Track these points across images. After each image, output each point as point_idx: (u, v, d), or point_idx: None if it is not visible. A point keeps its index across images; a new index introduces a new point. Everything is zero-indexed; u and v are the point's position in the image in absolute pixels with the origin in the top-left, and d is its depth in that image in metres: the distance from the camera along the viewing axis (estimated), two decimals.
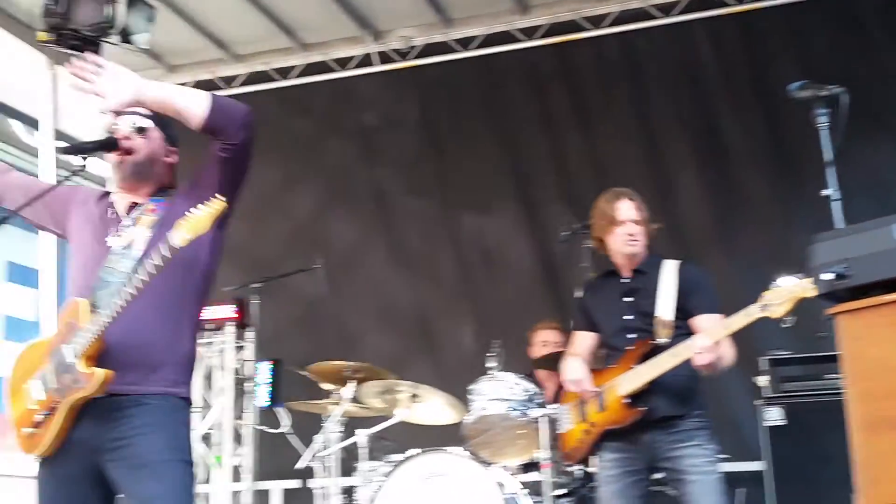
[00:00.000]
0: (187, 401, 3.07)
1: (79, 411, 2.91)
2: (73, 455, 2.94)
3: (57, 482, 3.00)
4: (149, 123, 3.19)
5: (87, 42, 6.03)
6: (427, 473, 5.09)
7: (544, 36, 7.34)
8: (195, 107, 2.99)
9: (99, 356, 2.88)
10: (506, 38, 7.43)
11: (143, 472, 2.89)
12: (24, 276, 9.68)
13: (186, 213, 2.80)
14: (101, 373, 2.85)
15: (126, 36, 6.16)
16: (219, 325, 7.45)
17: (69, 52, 6.43)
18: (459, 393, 5.40)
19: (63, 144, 7.73)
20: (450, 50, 7.57)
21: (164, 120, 3.23)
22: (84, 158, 3.13)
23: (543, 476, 4.76)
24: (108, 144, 3.16)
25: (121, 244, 3.04)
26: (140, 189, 3.16)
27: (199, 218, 2.75)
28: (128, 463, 2.90)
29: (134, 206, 3.14)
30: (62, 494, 2.99)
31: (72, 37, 5.95)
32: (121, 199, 3.17)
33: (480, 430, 5.10)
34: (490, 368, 5.20)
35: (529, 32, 7.39)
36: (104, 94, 2.94)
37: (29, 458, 3.03)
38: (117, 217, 3.13)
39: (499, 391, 5.10)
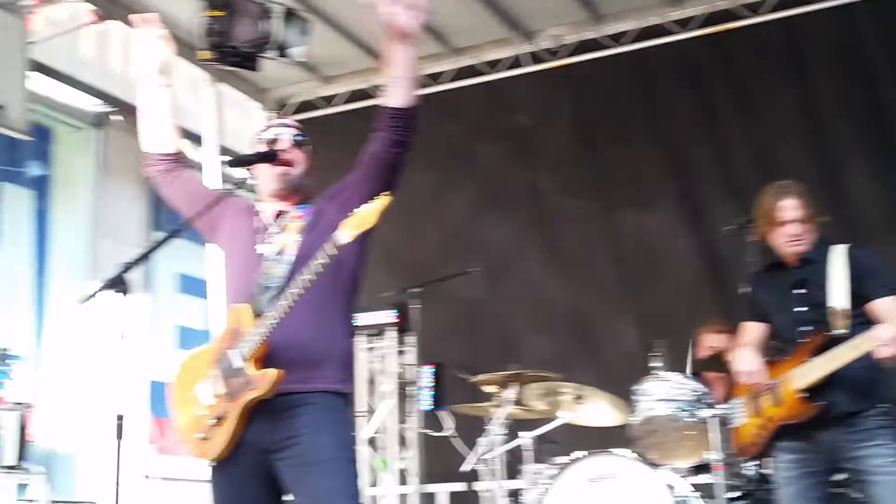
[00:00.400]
0: (348, 398, 3.14)
1: (249, 413, 2.97)
2: (244, 456, 3.03)
3: (230, 484, 3.09)
4: (305, 138, 3.30)
5: (246, 58, 6.27)
6: (594, 476, 5.03)
7: (700, 27, 7.15)
8: (412, 88, 3.15)
9: (265, 358, 2.95)
10: (659, 31, 7.27)
11: (312, 470, 2.95)
12: (193, 286, 10.07)
13: (339, 216, 2.89)
14: (272, 373, 2.93)
15: (283, 50, 6.38)
16: (380, 331, 7.55)
17: (229, 68, 6.69)
18: (622, 394, 5.32)
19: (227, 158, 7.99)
20: (601, 46, 7.46)
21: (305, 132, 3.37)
22: (248, 170, 3.23)
23: (715, 478, 4.63)
24: (268, 156, 3.24)
25: (272, 251, 3.13)
26: (290, 199, 3.26)
27: (366, 214, 2.81)
28: (296, 461, 2.97)
29: (280, 214, 3.22)
30: (235, 496, 3.07)
31: (231, 54, 6.20)
32: (267, 208, 3.26)
33: (648, 432, 5.02)
34: (655, 368, 5.10)
35: (684, 24, 7.22)
36: (405, 13, 3.03)
37: (201, 462, 3.11)
38: (264, 226, 3.22)
39: (665, 391, 5.01)
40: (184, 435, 3.13)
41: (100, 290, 2.92)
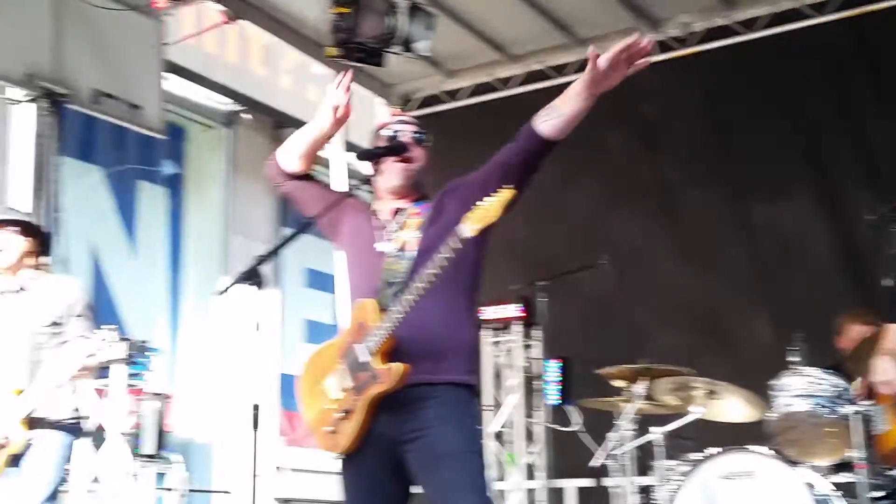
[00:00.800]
0: (475, 390, 3.14)
1: (377, 406, 2.99)
2: (373, 449, 3.05)
3: (359, 476, 3.11)
4: (425, 135, 3.31)
5: (372, 54, 6.32)
6: (729, 473, 4.92)
7: (838, 10, 6.91)
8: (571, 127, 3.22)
9: (391, 352, 2.97)
10: (794, 15, 7.06)
11: (440, 462, 2.97)
12: (320, 281, 10.24)
13: (459, 211, 2.89)
14: (398, 367, 2.94)
15: (408, 45, 6.41)
16: (505, 324, 7.53)
17: (354, 64, 6.76)
18: (756, 389, 5.18)
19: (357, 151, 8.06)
20: (733, 33, 7.28)
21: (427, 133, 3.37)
22: (375, 163, 3.25)
23: (858, 477, 4.47)
24: (397, 149, 3.25)
25: (393, 248, 3.15)
26: (407, 196, 3.27)
27: (489, 207, 2.79)
28: (425, 453, 2.99)
29: (398, 211, 3.24)
30: (365, 488, 3.10)
31: (357, 50, 6.26)
32: (384, 206, 3.28)
33: (785, 428, 4.88)
34: (792, 363, 4.94)
35: (820, 7, 6.98)
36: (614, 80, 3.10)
37: (330, 455, 3.14)
38: (382, 224, 3.23)
39: (804, 386, 4.85)
40: (312, 428, 3.17)
41: (235, 284, 2.97)
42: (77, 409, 4.39)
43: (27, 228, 4.44)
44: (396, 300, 2.97)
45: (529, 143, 3.15)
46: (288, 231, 9.63)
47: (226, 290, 3.02)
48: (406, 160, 3.24)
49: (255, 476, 2.86)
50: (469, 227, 2.82)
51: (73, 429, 4.37)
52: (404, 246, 3.15)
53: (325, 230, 3.40)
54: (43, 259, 4.53)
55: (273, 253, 3.11)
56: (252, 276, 2.99)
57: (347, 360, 3.05)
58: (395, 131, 3.30)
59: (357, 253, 3.26)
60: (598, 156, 7.61)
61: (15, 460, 4.26)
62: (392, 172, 3.24)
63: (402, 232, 3.18)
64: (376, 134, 3.37)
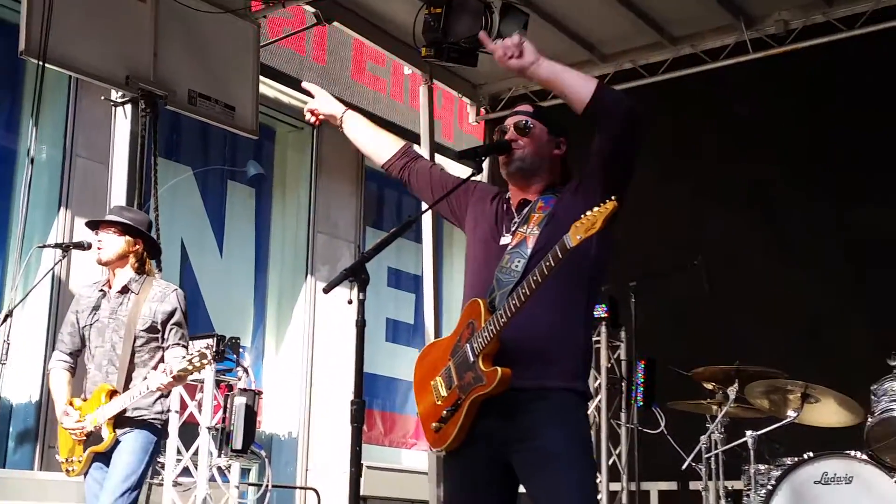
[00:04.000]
0: (585, 396, 3.08)
1: (482, 406, 2.98)
2: (478, 447, 3.03)
3: (462, 471, 3.10)
4: (532, 122, 3.20)
5: (465, 54, 6.31)
6: (824, 478, 4.83)
7: None
8: (581, 87, 3.00)
9: (497, 354, 2.95)
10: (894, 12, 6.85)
11: (549, 464, 2.93)
12: (403, 281, 10.31)
13: (577, 211, 2.81)
14: (500, 372, 2.91)
15: None
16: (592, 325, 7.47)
17: (447, 65, 6.77)
18: (850, 393, 5.07)
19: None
20: (833, 30, 7.10)
21: (548, 114, 3.26)
22: (480, 161, 3.21)
23: None
24: (502, 147, 3.21)
25: (514, 242, 3.09)
26: (529, 186, 3.19)
27: (592, 219, 2.73)
28: (534, 455, 2.96)
29: (524, 203, 3.18)
30: (468, 481, 3.09)
31: (450, 50, 6.26)
32: (513, 197, 3.22)
33: (885, 434, 4.77)
34: (893, 367, 4.84)
35: None
36: (515, 54, 3.02)
37: (436, 451, 3.14)
38: (510, 215, 3.18)
39: None
40: (423, 423, 3.18)
41: (339, 281, 2.97)
42: (163, 410, 4.47)
43: (127, 230, 4.53)
44: (504, 301, 2.93)
45: (591, 119, 3.01)
46: (372, 231, 9.79)
47: (330, 288, 3.02)
48: (502, 151, 3.17)
49: (358, 469, 2.86)
50: (573, 236, 2.76)
51: (159, 428, 4.45)
52: (525, 241, 3.08)
53: (448, 216, 3.38)
54: (150, 264, 4.62)
55: (376, 250, 3.09)
56: (356, 274, 2.99)
57: (456, 359, 3.05)
58: (506, 125, 3.24)
59: (477, 243, 3.21)
60: (692, 155, 7.55)
61: (104, 457, 4.38)
62: (501, 169, 3.21)
63: (525, 226, 3.11)
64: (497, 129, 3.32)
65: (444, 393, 3.07)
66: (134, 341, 4.40)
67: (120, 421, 4.34)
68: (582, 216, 2.76)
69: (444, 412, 3.05)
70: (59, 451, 4.53)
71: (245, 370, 6.54)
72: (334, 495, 8.09)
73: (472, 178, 3.32)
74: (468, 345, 3.00)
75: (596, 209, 2.74)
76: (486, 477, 3.05)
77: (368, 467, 8.25)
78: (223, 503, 6.29)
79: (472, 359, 2.97)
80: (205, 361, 4.24)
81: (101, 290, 4.54)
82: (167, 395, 4.53)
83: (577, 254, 2.85)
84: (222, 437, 6.32)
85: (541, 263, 2.85)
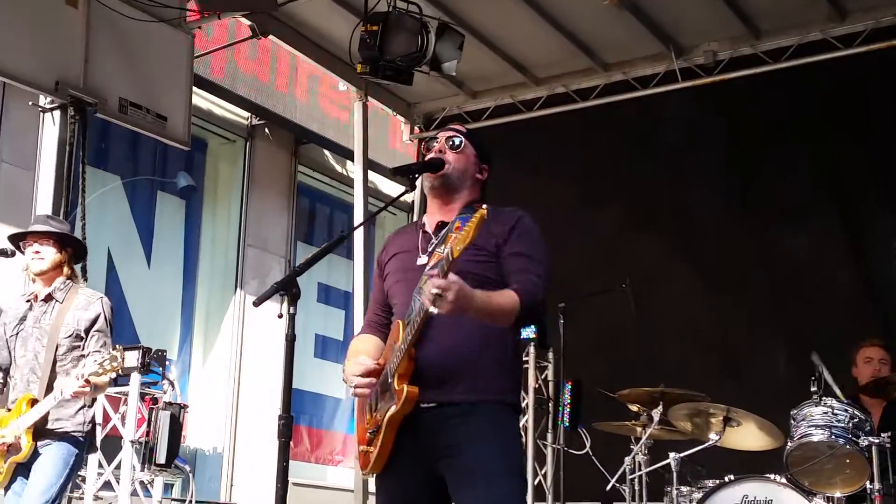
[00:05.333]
0: (516, 408, 3.09)
1: (409, 425, 2.97)
2: (407, 466, 3.02)
3: (392, 491, 3.08)
4: (463, 141, 3.22)
5: (401, 72, 6.35)
6: (745, 500, 4.91)
7: (863, 43, 6.93)
8: (504, 321, 2.99)
9: (412, 374, 2.95)
10: (821, 47, 7.09)
11: (476, 480, 2.92)
12: (332, 297, 10.26)
13: (488, 236, 2.89)
14: (406, 390, 2.91)
15: (436, 64, 6.43)
16: None
17: (382, 82, 6.79)
18: (771, 417, 5.17)
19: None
20: (759, 62, 7.30)
21: (478, 140, 3.28)
22: (413, 179, 3.21)
23: None
24: (434, 165, 3.21)
25: (431, 263, 3.07)
26: (449, 204, 3.20)
27: (467, 231, 2.72)
28: (457, 470, 2.96)
29: (441, 225, 3.18)
30: (398, 501, 3.07)
31: (386, 68, 6.29)
32: (430, 220, 3.23)
33: (803, 458, 4.86)
34: (812, 393, 4.94)
35: (848, 40, 7.00)
36: (440, 302, 2.77)
37: (364, 474, 3.11)
38: (427, 237, 3.19)
39: (823, 417, 4.84)
40: (357, 446, 3.17)
41: (269, 295, 2.95)
42: (85, 422, 4.39)
43: (63, 241, 4.49)
44: (410, 321, 2.94)
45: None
46: (303, 245, 9.75)
47: (261, 302, 3.00)
48: (429, 168, 3.17)
49: (284, 483, 2.83)
50: (455, 248, 2.72)
51: (81, 440, 4.37)
52: (439, 261, 3.03)
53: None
54: (75, 270, 4.57)
55: (308, 265, 3.07)
56: (287, 288, 2.98)
57: (381, 380, 3.05)
58: (429, 144, 3.26)
59: (397, 272, 3.22)
60: (619, 181, 7.65)
61: (25, 469, 4.29)
62: (424, 182, 3.21)
63: (442, 246, 3.04)
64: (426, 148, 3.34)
65: (368, 416, 3.07)
66: (56, 349, 4.33)
67: (41, 432, 4.26)
68: (458, 232, 2.74)
69: (368, 434, 3.05)
70: None
71: (171, 383, 6.46)
72: None
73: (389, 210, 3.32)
74: (388, 366, 3.00)
75: (470, 221, 2.72)
76: (417, 496, 3.04)
77: (294, 484, 8.17)
78: None
79: (389, 379, 2.97)
80: (115, 364, 4.16)
81: (28, 301, 4.48)
82: (90, 406, 4.45)
83: (479, 274, 2.91)
84: (146, 451, 6.24)
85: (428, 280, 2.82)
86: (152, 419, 6.23)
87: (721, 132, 7.41)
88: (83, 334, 4.37)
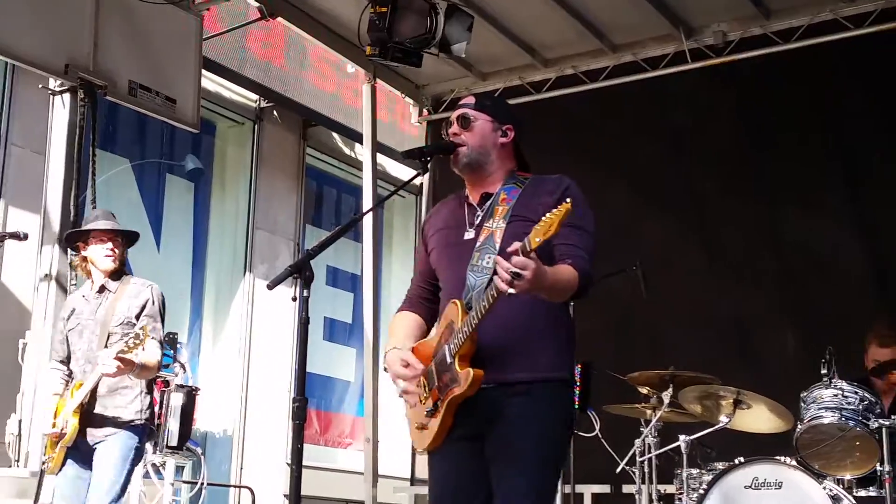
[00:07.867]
0: (569, 383, 3.07)
1: (464, 406, 2.98)
2: (458, 445, 3.04)
3: (447, 475, 3.10)
4: (473, 114, 3.18)
5: (409, 54, 6.33)
6: (755, 483, 4.91)
7: (874, 23, 6.88)
8: (564, 297, 2.96)
9: (477, 353, 2.95)
10: (831, 27, 7.04)
11: (511, 466, 2.95)
12: (341, 280, 10.27)
13: (538, 208, 2.84)
14: (472, 373, 2.92)
15: (445, 46, 6.42)
16: None
17: (391, 64, 6.77)
18: (781, 400, 5.17)
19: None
20: (769, 43, 7.26)
21: (491, 104, 3.24)
22: (425, 162, 3.20)
23: (885, 492, 4.46)
24: (447, 148, 3.19)
25: (482, 238, 3.07)
26: (485, 178, 3.17)
27: (549, 222, 2.69)
28: (497, 444, 2.98)
29: (486, 196, 3.15)
30: (451, 478, 3.08)
31: (395, 49, 6.28)
32: (472, 193, 3.20)
33: (813, 440, 4.87)
34: (823, 376, 4.94)
35: (858, 20, 6.95)
36: (518, 282, 2.73)
37: (420, 452, 3.13)
38: (472, 210, 3.16)
39: (833, 399, 4.85)
40: (410, 424, 3.17)
41: (285, 276, 2.95)
42: (142, 409, 4.49)
43: (128, 238, 4.72)
44: (478, 300, 2.91)
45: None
46: (312, 228, 9.74)
47: (275, 285, 3.00)
48: (447, 150, 3.15)
49: (297, 464, 2.85)
50: (532, 239, 2.70)
51: (140, 427, 4.47)
52: (492, 236, 3.04)
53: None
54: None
55: (322, 248, 3.06)
56: (300, 271, 2.97)
57: (437, 360, 3.04)
58: (446, 124, 3.22)
59: (442, 248, 3.19)
60: (629, 161, 7.62)
61: (76, 453, 4.40)
62: (453, 167, 3.19)
63: (490, 220, 3.08)
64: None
65: (425, 394, 3.07)
66: (108, 338, 4.44)
67: (100, 422, 4.38)
68: (540, 220, 2.72)
69: (426, 413, 3.06)
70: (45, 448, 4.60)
71: (182, 366, 6.47)
72: (269, 494, 8.02)
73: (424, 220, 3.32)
74: (446, 346, 3.00)
75: (553, 212, 2.70)
76: (468, 473, 3.05)
77: (304, 466, 8.20)
78: (157, 500, 6.21)
79: (448, 360, 2.98)
80: (138, 342, 4.25)
81: (83, 295, 4.64)
82: (148, 392, 4.55)
83: (546, 248, 2.83)
84: (158, 434, 6.25)
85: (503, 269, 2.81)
86: (164, 402, 6.24)
87: (731, 113, 7.37)
88: (134, 320, 4.49)
